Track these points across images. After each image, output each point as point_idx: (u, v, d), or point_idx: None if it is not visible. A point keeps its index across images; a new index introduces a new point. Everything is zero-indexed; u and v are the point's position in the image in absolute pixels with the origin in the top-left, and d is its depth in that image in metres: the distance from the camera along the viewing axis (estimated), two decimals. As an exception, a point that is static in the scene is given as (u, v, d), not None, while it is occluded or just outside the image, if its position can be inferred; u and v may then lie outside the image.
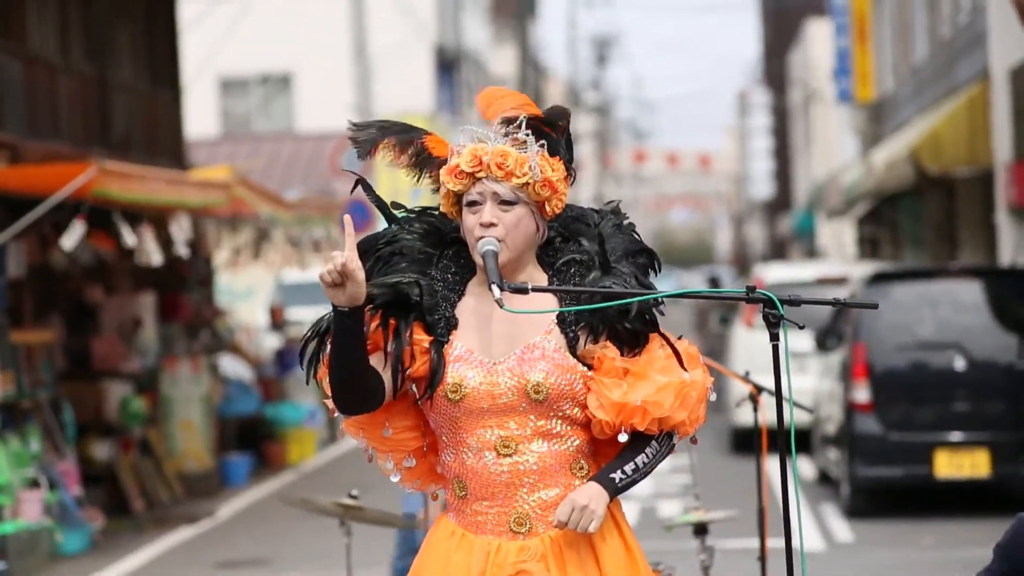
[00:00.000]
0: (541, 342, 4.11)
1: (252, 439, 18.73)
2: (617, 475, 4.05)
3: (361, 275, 3.95)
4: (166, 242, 14.50)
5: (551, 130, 4.18)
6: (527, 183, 4.10)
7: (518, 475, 4.08)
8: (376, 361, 4.10)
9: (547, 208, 4.15)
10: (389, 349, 4.10)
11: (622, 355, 4.09)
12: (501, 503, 4.09)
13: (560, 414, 4.09)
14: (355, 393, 4.06)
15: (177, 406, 16.68)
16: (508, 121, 4.16)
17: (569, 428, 4.12)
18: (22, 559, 12.29)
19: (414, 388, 4.15)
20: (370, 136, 4.23)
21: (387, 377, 4.10)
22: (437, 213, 4.26)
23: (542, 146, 4.13)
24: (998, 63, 19.01)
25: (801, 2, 59.69)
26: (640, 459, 4.06)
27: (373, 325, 4.10)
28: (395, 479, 4.27)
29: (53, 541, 12.87)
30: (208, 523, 14.73)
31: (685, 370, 4.09)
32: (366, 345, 4.04)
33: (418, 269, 4.15)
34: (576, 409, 4.11)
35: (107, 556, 13.20)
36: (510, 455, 4.07)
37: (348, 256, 3.93)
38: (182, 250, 14.41)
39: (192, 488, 16.44)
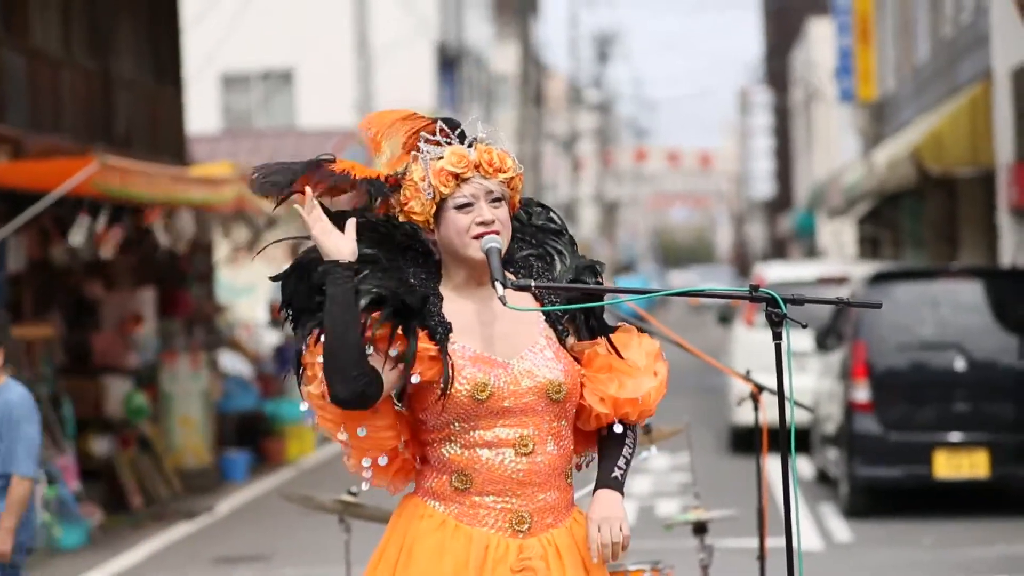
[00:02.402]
0: (543, 340, 4.11)
1: (251, 435, 18.72)
2: (618, 473, 4.12)
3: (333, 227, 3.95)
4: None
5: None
6: (512, 176, 4.09)
7: (532, 475, 4.06)
8: (376, 362, 3.99)
9: (515, 204, 4.16)
10: (394, 352, 3.99)
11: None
12: (509, 500, 4.06)
13: (567, 415, 4.11)
14: (360, 374, 3.92)
15: (176, 402, 16.67)
16: (452, 127, 4.10)
17: (569, 431, 4.14)
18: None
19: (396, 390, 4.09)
20: (286, 179, 4.02)
21: (390, 379, 4.01)
22: (376, 221, 4.12)
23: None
24: (1000, 63, 19.00)
25: (803, 1, 59.69)
26: (626, 451, 4.14)
27: (379, 331, 3.99)
28: (365, 484, 4.14)
29: (51, 536, 12.87)
30: (207, 519, 14.72)
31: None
32: (359, 318, 3.96)
33: (396, 276, 4.04)
34: (574, 409, 4.13)
35: (105, 552, 13.20)
36: (527, 454, 4.05)
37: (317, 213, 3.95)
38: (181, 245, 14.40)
39: (191, 484, 16.43)
